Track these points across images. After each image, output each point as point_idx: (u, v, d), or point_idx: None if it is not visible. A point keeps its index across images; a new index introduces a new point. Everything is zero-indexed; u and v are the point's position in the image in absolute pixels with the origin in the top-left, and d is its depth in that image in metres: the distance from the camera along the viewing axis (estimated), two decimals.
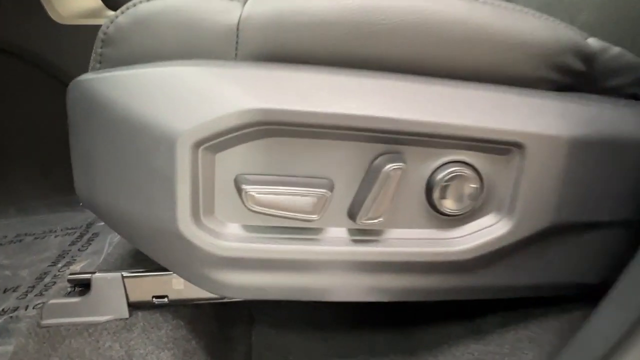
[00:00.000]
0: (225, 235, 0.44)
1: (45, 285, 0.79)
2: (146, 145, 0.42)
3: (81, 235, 1.04)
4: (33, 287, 0.80)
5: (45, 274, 0.86)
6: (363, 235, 0.47)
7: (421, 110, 0.43)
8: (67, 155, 0.50)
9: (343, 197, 0.46)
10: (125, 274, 0.53)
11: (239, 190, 0.43)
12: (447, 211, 0.46)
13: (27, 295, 0.76)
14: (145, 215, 0.44)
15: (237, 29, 0.44)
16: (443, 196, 0.45)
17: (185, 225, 0.43)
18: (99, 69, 0.48)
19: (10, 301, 0.75)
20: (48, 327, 0.53)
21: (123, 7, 0.46)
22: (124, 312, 0.54)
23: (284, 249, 0.45)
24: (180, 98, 0.42)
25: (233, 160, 0.44)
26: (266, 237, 0.45)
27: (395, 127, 0.43)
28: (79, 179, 0.49)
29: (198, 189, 0.43)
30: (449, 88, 0.44)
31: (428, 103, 0.43)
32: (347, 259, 0.46)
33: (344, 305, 0.71)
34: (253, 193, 0.42)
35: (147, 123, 0.42)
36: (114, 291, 0.53)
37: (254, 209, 0.42)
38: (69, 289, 0.59)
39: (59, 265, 0.90)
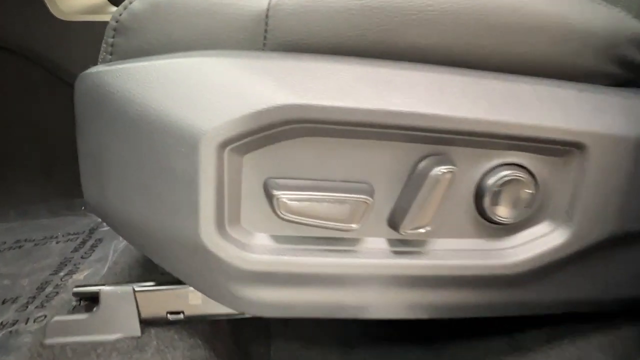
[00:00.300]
0: (253, 246, 0.40)
1: (46, 296, 0.74)
2: (165, 145, 0.38)
3: (84, 241, 0.99)
4: (34, 297, 0.75)
5: (47, 283, 0.80)
6: (405, 246, 0.42)
7: (472, 107, 0.38)
8: (70, 156, 0.46)
9: (383, 203, 0.41)
10: (136, 287, 0.48)
11: (270, 197, 0.38)
12: (499, 219, 0.41)
13: (27, 307, 0.71)
14: (163, 224, 0.39)
15: (266, 16, 0.39)
16: (495, 203, 0.41)
17: (209, 235, 0.38)
18: (110, 60, 0.43)
19: (10, 314, 0.69)
20: (52, 346, 0.48)
21: None
22: (136, 330, 0.49)
23: (318, 262, 0.40)
24: (204, 93, 0.37)
25: (262, 163, 0.39)
26: (298, 248, 0.40)
27: (443, 126, 0.38)
28: (88, 182, 0.44)
29: (223, 195, 0.38)
30: (502, 82, 0.40)
31: (480, 99, 0.39)
32: (387, 272, 0.41)
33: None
34: (285, 199, 0.38)
35: (166, 121, 0.37)
36: (124, 307, 0.48)
37: (286, 217, 0.38)
38: (74, 303, 0.54)
39: (61, 273, 0.85)
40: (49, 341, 0.48)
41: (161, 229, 0.40)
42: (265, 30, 0.40)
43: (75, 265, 0.87)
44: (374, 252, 0.41)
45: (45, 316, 0.69)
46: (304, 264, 0.40)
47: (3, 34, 1.03)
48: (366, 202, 0.38)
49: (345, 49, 0.40)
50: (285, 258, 0.39)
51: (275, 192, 0.37)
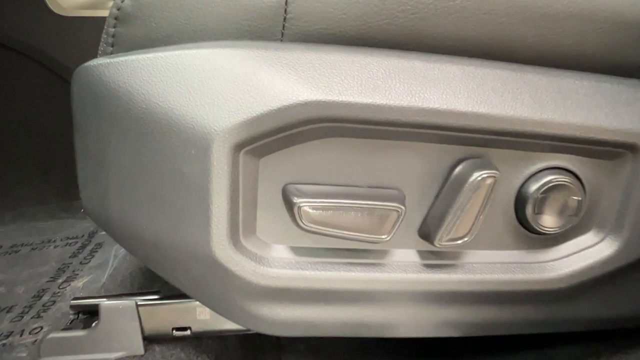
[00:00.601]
0: (270, 260, 0.36)
1: (43, 305, 0.70)
2: (173, 147, 0.34)
3: (83, 246, 0.95)
4: (30, 307, 0.71)
5: (44, 291, 0.77)
6: (438, 259, 0.38)
7: (514, 104, 0.34)
8: (68, 157, 0.42)
9: (414, 212, 0.37)
10: (140, 301, 0.44)
11: (290, 205, 0.34)
12: (542, 229, 0.37)
13: (22, 317, 0.67)
14: (170, 235, 0.35)
15: (286, 3, 0.35)
16: (538, 211, 0.37)
17: (221, 248, 0.34)
18: (112, 52, 0.39)
19: (4, 324, 0.65)
20: None
21: None
22: (139, 348, 0.45)
23: (342, 276, 0.36)
24: (217, 88, 0.33)
25: (281, 167, 0.35)
26: (320, 262, 0.36)
27: (482, 125, 0.34)
28: (86, 187, 0.40)
29: (238, 203, 0.34)
30: (547, 77, 0.36)
31: (522, 95, 0.35)
32: (417, 288, 0.37)
33: None
34: (308, 208, 0.34)
35: (174, 119, 0.33)
36: (126, 322, 0.44)
37: (309, 228, 0.34)
38: (71, 317, 0.50)
39: (59, 280, 0.81)
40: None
41: (168, 239, 0.36)
42: (284, 19, 0.35)
43: (73, 271, 0.83)
44: (404, 266, 0.37)
45: (42, 328, 0.65)
46: (326, 279, 0.36)
47: (5, 31, 1.00)
48: (397, 211, 0.34)
49: (373, 40, 0.36)
50: (306, 272, 0.35)
51: (297, 200, 0.33)
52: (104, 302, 0.44)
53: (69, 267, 0.84)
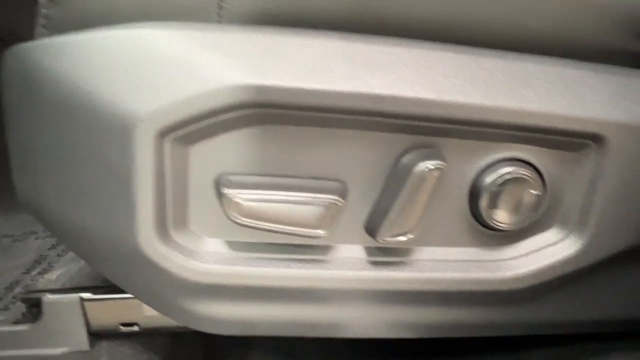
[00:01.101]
0: (203, 255, 0.33)
1: (13, 297, 0.69)
2: (97, 133, 0.32)
3: None
4: (0, 299, 0.70)
5: (17, 282, 0.75)
6: (385, 255, 0.35)
7: (467, 90, 0.32)
8: None
9: (359, 205, 0.34)
10: (85, 296, 0.43)
11: (220, 196, 0.32)
12: (498, 225, 0.35)
13: None
14: (98, 227, 0.33)
15: None
16: (493, 205, 0.34)
17: (148, 241, 0.32)
18: (46, 36, 0.37)
19: None
20: None
21: None
22: (84, 344, 0.43)
23: (281, 273, 0.34)
24: (142, 71, 0.31)
25: (214, 155, 0.33)
26: (257, 257, 0.34)
27: (432, 112, 0.31)
28: (19, 175, 0.38)
29: (165, 193, 0.32)
30: (504, 61, 0.33)
31: (477, 81, 0.32)
32: (364, 286, 0.35)
33: None
34: (238, 200, 0.31)
35: (98, 104, 0.31)
36: (70, 317, 0.43)
37: (239, 220, 0.32)
38: (24, 311, 0.48)
39: (33, 272, 0.79)
40: None
41: (97, 231, 0.34)
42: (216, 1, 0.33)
43: (49, 263, 0.82)
44: (348, 263, 0.35)
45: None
46: (263, 276, 0.34)
47: None
48: (336, 204, 0.32)
49: (315, 21, 0.33)
50: (241, 268, 0.33)
51: (227, 191, 0.31)
52: (47, 296, 0.42)
53: (45, 259, 0.83)
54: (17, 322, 0.45)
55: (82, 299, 0.43)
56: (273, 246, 0.34)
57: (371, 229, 0.34)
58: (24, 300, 0.47)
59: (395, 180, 0.33)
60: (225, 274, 0.33)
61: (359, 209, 0.34)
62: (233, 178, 0.32)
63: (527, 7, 0.34)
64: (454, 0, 0.33)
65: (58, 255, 0.86)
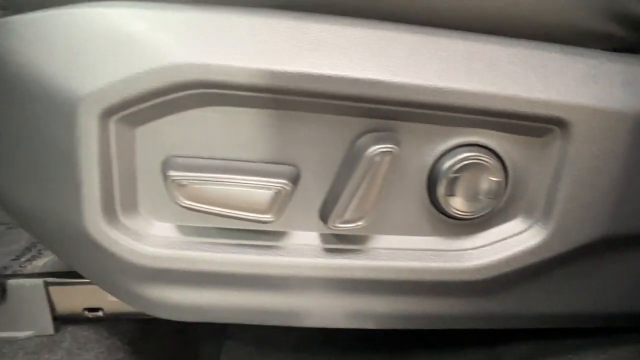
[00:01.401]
0: (152, 238, 0.33)
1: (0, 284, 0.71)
2: (43, 112, 0.31)
3: None
4: None
5: (5, 269, 0.76)
6: (341, 243, 0.34)
7: (424, 72, 0.30)
8: None
9: (313, 191, 0.33)
10: (50, 280, 0.43)
11: (165, 178, 0.31)
12: (456, 213, 0.33)
13: None
14: (48, 210, 0.33)
15: None
16: (451, 192, 0.33)
17: (95, 224, 0.31)
18: (2, 16, 0.37)
19: None
20: None
21: None
22: (48, 328, 0.43)
23: (232, 259, 0.33)
24: (86, 49, 0.30)
25: (161, 137, 0.32)
26: (208, 242, 0.33)
27: (387, 95, 0.30)
28: None
29: (112, 175, 0.31)
30: (464, 42, 0.32)
31: (434, 62, 0.31)
32: (318, 274, 0.34)
33: None
34: (184, 182, 0.31)
35: (44, 83, 0.31)
36: (35, 302, 0.43)
37: (184, 204, 0.31)
38: None
39: (22, 259, 0.80)
40: None
41: (47, 214, 0.34)
42: None
43: (39, 251, 0.83)
44: (301, 250, 0.34)
45: None
46: (214, 261, 0.33)
47: None
48: (285, 189, 0.31)
49: (264, 1, 0.32)
50: (191, 253, 0.33)
51: (172, 173, 0.31)
52: (11, 281, 0.42)
53: (36, 246, 0.84)
54: None
55: (47, 283, 0.43)
56: (224, 231, 0.34)
57: (324, 216, 0.33)
58: None
59: (346, 166, 0.32)
60: (175, 258, 0.33)
61: (313, 194, 0.33)
62: (180, 160, 0.31)
63: None
64: None
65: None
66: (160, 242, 0.33)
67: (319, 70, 0.30)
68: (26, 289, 0.42)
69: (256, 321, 0.37)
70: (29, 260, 0.81)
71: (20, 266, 0.79)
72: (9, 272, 0.76)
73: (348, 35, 0.31)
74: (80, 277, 0.44)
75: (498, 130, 0.33)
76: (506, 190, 0.34)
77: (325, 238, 0.34)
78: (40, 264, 0.80)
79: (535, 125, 0.32)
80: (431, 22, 0.33)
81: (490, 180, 0.33)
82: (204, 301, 0.35)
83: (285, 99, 0.31)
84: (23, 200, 0.35)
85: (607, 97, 0.32)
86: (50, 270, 0.47)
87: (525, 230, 0.34)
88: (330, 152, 0.33)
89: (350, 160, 0.32)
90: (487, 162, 0.32)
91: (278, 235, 0.34)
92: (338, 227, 0.32)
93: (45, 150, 0.32)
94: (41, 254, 0.84)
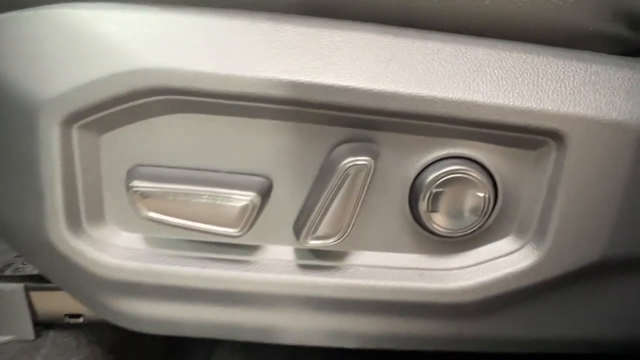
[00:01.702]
0: (116, 249, 0.32)
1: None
2: (5, 117, 0.30)
3: None
4: None
5: (8, 265, 0.77)
6: (315, 259, 0.33)
7: (406, 78, 0.28)
8: None
9: (287, 204, 0.32)
10: (30, 284, 0.42)
11: (128, 188, 0.30)
12: (440, 230, 0.31)
13: None
14: (12, 217, 0.32)
15: None
16: (434, 208, 0.30)
17: (59, 233, 0.30)
18: None
19: None
20: None
21: None
22: (29, 333, 0.43)
23: (199, 273, 0.32)
24: (48, 53, 0.29)
25: (127, 145, 0.31)
26: (175, 255, 0.32)
27: (362, 103, 0.28)
28: None
29: (76, 184, 0.30)
30: (450, 45, 0.29)
31: (415, 67, 0.28)
32: (291, 291, 0.32)
33: None
34: (147, 193, 0.29)
35: (7, 87, 0.30)
36: (15, 306, 0.42)
37: (147, 216, 0.29)
38: None
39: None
40: None
41: (15, 222, 0.33)
42: None
43: None
44: (272, 265, 0.32)
45: None
46: (180, 275, 0.32)
47: None
48: (253, 202, 0.29)
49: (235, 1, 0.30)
50: (156, 266, 0.31)
51: (136, 184, 0.29)
52: None
53: None
54: None
55: (27, 288, 0.42)
56: (192, 243, 0.32)
57: (297, 230, 0.31)
58: None
59: (322, 177, 0.30)
60: (140, 271, 0.31)
61: (287, 207, 0.32)
62: (143, 170, 0.30)
63: None
64: None
65: None
66: (125, 253, 0.32)
67: (289, 76, 0.28)
68: (6, 293, 0.42)
69: (229, 336, 0.35)
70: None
71: (23, 263, 0.80)
72: (11, 270, 0.77)
73: (323, 38, 0.29)
74: None
75: (486, 142, 0.30)
76: (495, 206, 0.31)
77: (299, 253, 0.33)
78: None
79: (527, 137, 0.29)
80: (414, 22, 0.30)
81: (477, 195, 0.30)
82: (174, 314, 0.34)
83: (255, 106, 0.29)
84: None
85: (608, 106, 0.29)
86: (31, 273, 0.46)
87: (517, 250, 0.32)
88: (304, 163, 0.31)
89: (325, 172, 0.30)
90: (473, 176, 0.30)
91: (249, 249, 0.33)
92: (311, 242, 0.30)
93: (8, 155, 0.31)
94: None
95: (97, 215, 0.32)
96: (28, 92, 0.29)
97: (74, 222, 0.31)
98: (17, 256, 0.82)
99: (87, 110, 0.28)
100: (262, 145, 0.30)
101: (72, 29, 0.29)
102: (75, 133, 0.29)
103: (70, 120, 0.29)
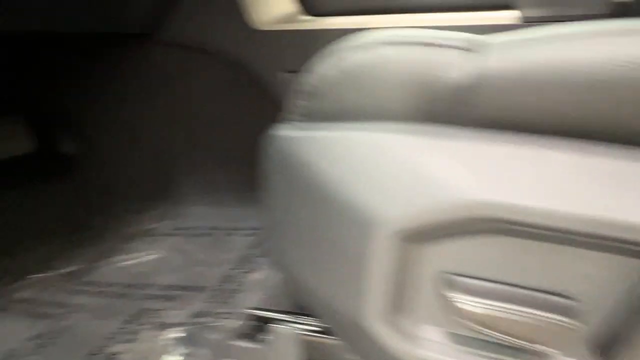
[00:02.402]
0: (422, 341, 0.36)
1: (229, 292, 0.83)
2: (339, 222, 0.37)
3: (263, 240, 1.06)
4: (218, 291, 0.85)
5: (229, 277, 0.90)
6: None
7: None
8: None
9: (587, 323, 0.33)
10: (300, 331, 0.50)
11: (442, 296, 0.34)
12: None
13: (213, 299, 0.81)
14: (333, 298, 0.39)
15: (472, 88, 0.34)
16: None
17: (374, 322, 0.36)
18: (298, 121, 0.43)
19: (197, 304, 0.80)
20: None
21: (327, 58, 0.41)
22: None
23: None
24: (383, 174, 0.34)
25: (440, 255, 0.35)
26: (476, 354, 0.36)
27: None
28: (269, 232, 0.46)
29: (396, 284, 0.35)
30: None
31: None
32: None
33: None
34: (460, 304, 0.33)
35: (341, 197, 0.36)
36: (288, 348, 0.50)
37: (459, 322, 0.33)
38: (250, 323, 0.57)
39: (242, 270, 0.94)
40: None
41: (331, 303, 0.39)
42: (468, 104, 0.34)
43: (254, 263, 0.94)
44: None
45: (230, 313, 0.75)
46: None
47: (205, 40, 1.16)
48: (567, 327, 0.31)
49: (558, 129, 0.32)
50: None
51: (450, 294, 0.33)
52: (270, 326, 0.50)
53: (250, 258, 0.97)
54: (248, 337, 0.54)
55: (298, 334, 0.50)
56: (494, 346, 0.35)
57: (598, 350, 0.33)
58: (249, 317, 0.57)
59: (630, 306, 0.31)
60: None
61: (587, 325, 0.33)
62: (459, 280, 0.34)
63: None
64: None
65: (257, 257, 0.99)
66: (429, 345, 0.36)
67: (619, 215, 0.29)
68: (280, 335, 0.50)
69: None
70: (248, 272, 0.93)
71: (244, 276, 0.90)
72: (233, 282, 0.88)
73: None
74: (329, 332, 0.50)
75: None
76: None
77: None
78: (260, 277, 0.90)
79: None
80: None
81: None
82: None
83: (576, 239, 0.30)
84: (311, 284, 0.41)
85: None
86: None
87: None
88: (611, 288, 0.32)
89: (635, 303, 0.30)
90: None
91: (539, 356, 0.35)
92: None
93: (337, 252, 0.37)
94: (256, 267, 0.95)
95: (408, 309, 0.37)
96: (364, 208, 0.34)
97: (389, 315, 0.36)
98: (233, 268, 0.95)
99: (416, 230, 0.33)
100: (574, 269, 0.32)
101: (410, 154, 0.34)
102: (401, 245, 0.34)
103: (399, 235, 0.34)
